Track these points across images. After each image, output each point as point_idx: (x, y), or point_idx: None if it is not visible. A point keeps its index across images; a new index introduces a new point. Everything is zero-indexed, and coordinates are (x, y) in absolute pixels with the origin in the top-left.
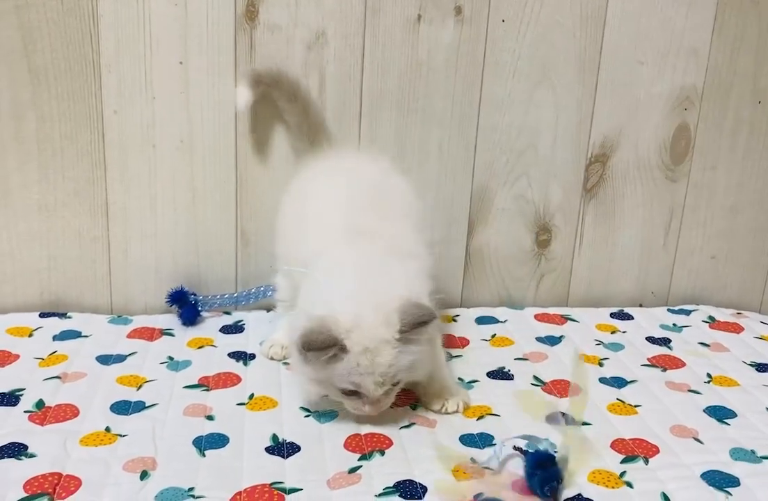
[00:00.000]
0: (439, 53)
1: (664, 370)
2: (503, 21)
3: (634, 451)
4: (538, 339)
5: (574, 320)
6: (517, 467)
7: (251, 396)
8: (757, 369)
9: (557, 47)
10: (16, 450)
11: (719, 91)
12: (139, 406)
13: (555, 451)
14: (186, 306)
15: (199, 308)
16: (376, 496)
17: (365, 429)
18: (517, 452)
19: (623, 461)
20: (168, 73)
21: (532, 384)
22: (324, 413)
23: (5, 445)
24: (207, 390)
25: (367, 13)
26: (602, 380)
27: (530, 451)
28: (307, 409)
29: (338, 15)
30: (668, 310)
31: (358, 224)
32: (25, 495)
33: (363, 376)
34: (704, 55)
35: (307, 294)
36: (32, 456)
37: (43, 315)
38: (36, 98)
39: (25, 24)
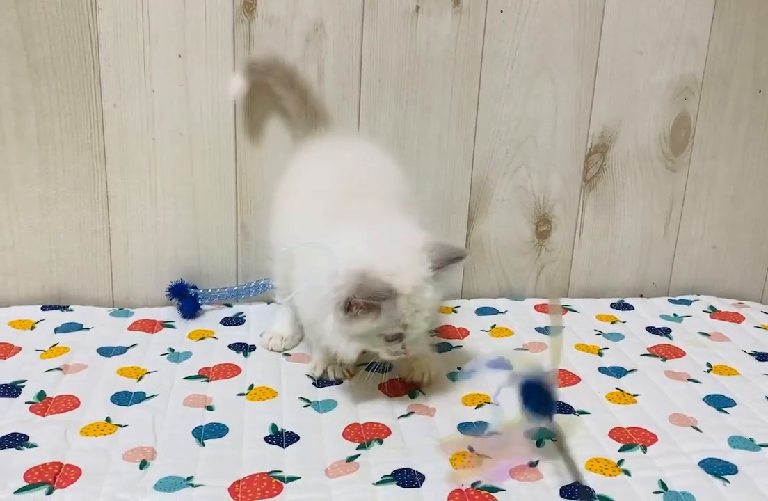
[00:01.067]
0: (438, 44)
1: (664, 359)
2: (501, 12)
3: (633, 439)
4: (538, 329)
5: (574, 310)
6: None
7: (251, 387)
8: (757, 358)
9: (556, 38)
10: (17, 440)
11: (719, 80)
12: (140, 397)
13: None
14: (186, 299)
15: (199, 302)
16: (373, 484)
17: (364, 418)
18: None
19: (621, 449)
20: (167, 66)
21: None
22: (323, 403)
23: (6, 436)
24: (207, 381)
25: (366, 4)
26: (601, 370)
27: (521, 381)
28: (306, 400)
29: (336, 7)
30: (669, 300)
31: (352, 201)
32: (26, 484)
33: (414, 316)
34: (704, 44)
35: (322, 262)
36: (33, 446)
37: (45, 308)
38: (36, 92)
39: (24, 18)
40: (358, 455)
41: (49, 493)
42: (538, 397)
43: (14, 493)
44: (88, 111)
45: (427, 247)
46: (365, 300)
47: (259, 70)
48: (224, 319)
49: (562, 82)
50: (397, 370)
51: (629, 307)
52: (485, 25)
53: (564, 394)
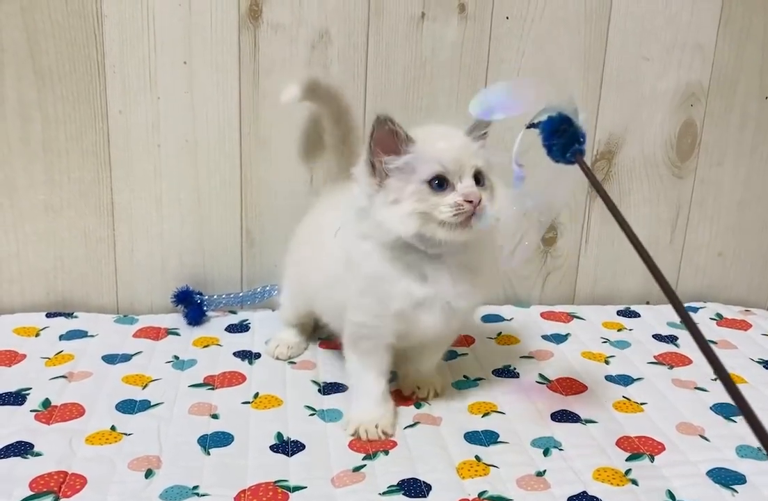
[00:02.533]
0: (443, 51)
1: (671, 367)
2: (507, 18)
3: (640, 448)
4: (544, 337)
5: (580, 318)
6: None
7: (256, 395)
8: (764, 366)
9: (561, 44)
10: (23, 449)
11: (725, 87)
12: (145, 405)
13: (571, 109)
14: (191, 306)
15: (205, 308)
16: (380, 494)
17: None
18: (532, 129)
19: (628, 459)
20: (172, 73)
21: (537, 382)
22: (329, 412)
23: (12, 444)
24: (212, 389)
25: (371, 11)
26: (608, 378)
27: (542, 120)
28: (312, 408)
29: (342, 14)
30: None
31: None
32: (31, 493)
33: (451, 158)
34: (710, 51)
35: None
36: (38, 454)
37: (49, 315)
38: (41, 99)
39: (30, 25)
40: (364, 465)
41: None
42: (561, 139)
43: None
44: (94, 118)
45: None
46: (387, 130)
47: (317, 92)
48: (229, 326)
49: (568, 89)
50: (401, 388)
51: (636, 315)
52: (491, 32)
53: (571, 403)
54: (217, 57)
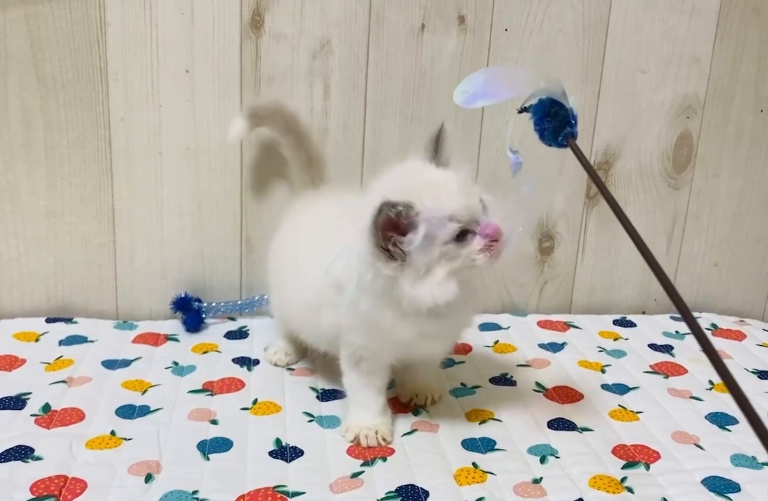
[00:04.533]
0: (443, 62)
1: (666, 376)
2: (506, 30)
3: (635, 456)
4: (541, 346)
5: (576, 327)
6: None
7: (255, 401)
8: (759, 376)
9: (560, 56)
10: (23, 453)
11: (721, 99)
12: (144, 411)
13: (559, 92)
14: (190, 313)
15: (203, 315)
16: (378, 500)
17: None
18: (525, 113)
19: (624, 467)
20: (174, 81)
21: (534, 390)
22: (327, 419)
23: (12, 448)
24: (211, 395)
25: (372, 21)
26: (604, 386)
27: (533, 104)
28: (310, 414)
29: (343, 24)
30: (671, 317)
31: None
32: (32, 497)
33: (463, 202)
34: (706, 63)
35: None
36: (38, 459)
37: (49, 320)
38: (44, 106)
39: (35, 33)
40: (363, 471)
41: None
42: (553, 122)
43: None
44: (96, 124)
45: None
46: (392, 217)
47: (261, 116)
48: (228, 332)
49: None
50: (399, 395)
51: (632, 324)
52: (490, 43)
53: (567, 411)
54: (219, 66)
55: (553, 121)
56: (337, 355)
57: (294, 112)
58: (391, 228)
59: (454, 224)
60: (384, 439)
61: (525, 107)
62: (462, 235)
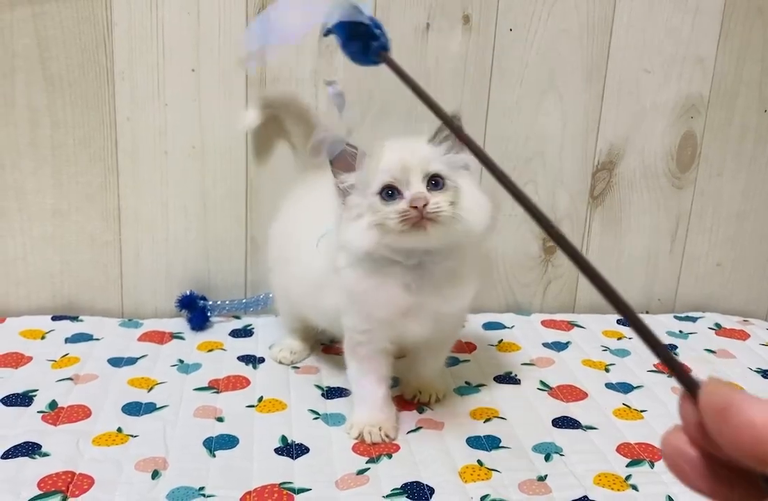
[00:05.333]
0: (447, 61)
1: (670, 375)
2: (510, 30)
3: (640, 454)
4: (545, 345)
5: (580, 326)
6: None
7: (260, 398)
8: (762, 375)
9: (564, 56)
10: (30, 449)
11: (725, 99)
12: (150, 408)
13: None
14: (195, 311)
15: (208, 313)
16: (383, 497)
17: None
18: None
19: (629, 465)
20: (180, 80)
21: (538, 389)
22: (332, 416)
23: (19, 444)
24: (217, 392)
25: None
26: (608, 385)
27: (333, 25)
28: (316, 412)
29: None
30: (674, 317)
31: None
32: (40, 492)
33: (402, 167)
34: (710, 63)
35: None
36: (46, 455)
37: (55, 318)
38: (51, 105)
39: (42, 32)
40: (368, 468)
41: None
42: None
43: None
44: (102, 124)
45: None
46: (345, 155)
47: (274, 106)
48: (233, 331)
49: (570, 100)
50: (403, 392)
51: None
52: (494, 43)
53: (571, 410)
54: (225, 65)
55: (359, 40)
56: (342, 339)
57: (306, 103)
58: (342, 165)
59: (385, 177)
60: (387, 436)
61: (329, 29)
62: (391, 194)
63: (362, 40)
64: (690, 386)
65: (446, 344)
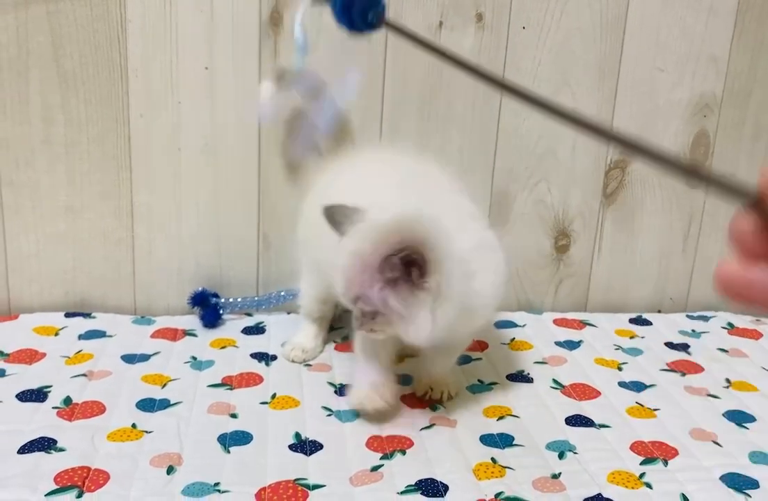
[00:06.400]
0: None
1: (683, 374)
2: (524, 28)
3: (653, 453)
4: (557, 343)
5: (592, 325)
6: None
7: (273, 395)
8: None
9: (577, 54)
10: (46, 444)
11: (738, 98)
12: (164, 404)
13: None
14: (207, 308)
15: (221, 311)
16: (398, 493)
17: (386, 430)
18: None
19: (642, 463)
20: (194, 78)
21: (551, 387)
22: (345, 413)
23: (35, 440)
24: (230, 389)
25: (389, 18)
26: (621, 384)
27: None
28: (329, 409)
29: None
30: (687, 316)
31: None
32: (56, 487)
33: (336, 278)
34: (724, 62)
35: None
36: (62, 450)
37: (68, 315)
38: (64, 102)
39: (56, 29)
40: (382, 465)
41: (79, 496)
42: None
43: (45, 495)
44: (116, 121)
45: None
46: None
47: (289, 79)
48: (245, 328)
49: (583, 98)
50: (415, 389)
51: (647, 323)
52: (507, 41)
53: (584, 408)
54: (238, 63)
55: (357, 4)
56: None
57: (322, 80)
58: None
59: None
60: (387, 401)
61: None
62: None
63: (361, 4)
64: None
65: (459, 346)
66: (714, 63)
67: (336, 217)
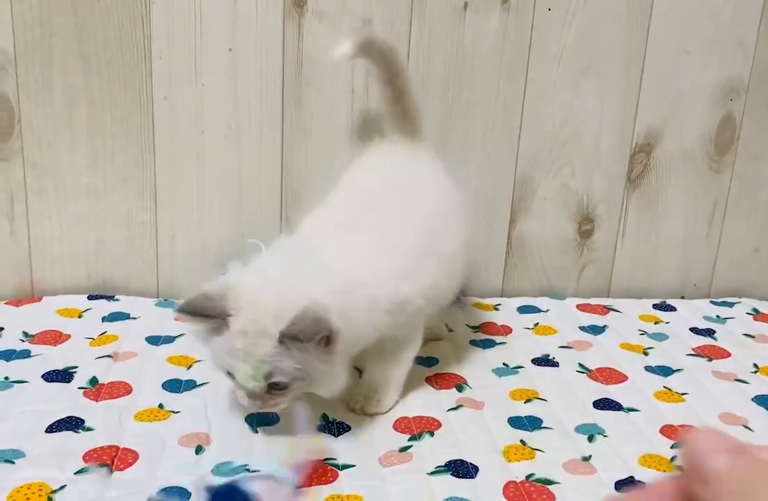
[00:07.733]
0: (485, 42)
1: (710, 359)
2: (549, 10)
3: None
4: (582, 328)
5: (616, 310)
6: None
7: None
8: None
9: (603, 36)
10: (74, 423)
11: (765, 81)
12: (190, 385)
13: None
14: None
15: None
16: (428, 474)
17: (413, 411)
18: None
19: (673, 446)
20: (217, 59)
21: (577, 371)
22: None
23: (63, 419)
24: None
25: (414, 0)
26: (648, 368)
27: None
28: None
29: (385, 2)
30: (711, 302)
31: (348, 213)
32: (84, 465)
33: (237, 362)
34: (751, 46)
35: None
36: (89, 430)
37: (91, 297)
38: (87, 84)
39: (80, 10)
40: (411, 446)
41: (109, 474)
42: None
43: (74, 473)
44: (139, 103)
45: (303, 312)
46: (190, 311)
47: (369, 52)
48: None
49: (609, 81)
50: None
51: (672, 308)
52: (533, 23)
53: (612, 392)
54: (262, 45)
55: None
56: None
57: (402, 66)
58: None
59: (227, 368)
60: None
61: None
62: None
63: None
64: None
65: (402, 347)
66: (741, 46)
67: (201, 306)
